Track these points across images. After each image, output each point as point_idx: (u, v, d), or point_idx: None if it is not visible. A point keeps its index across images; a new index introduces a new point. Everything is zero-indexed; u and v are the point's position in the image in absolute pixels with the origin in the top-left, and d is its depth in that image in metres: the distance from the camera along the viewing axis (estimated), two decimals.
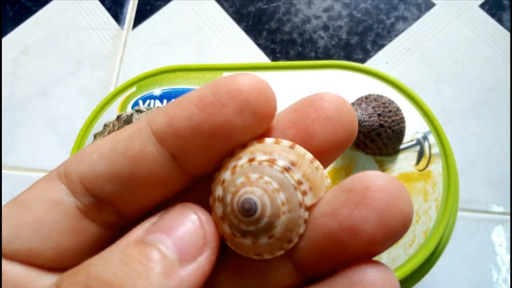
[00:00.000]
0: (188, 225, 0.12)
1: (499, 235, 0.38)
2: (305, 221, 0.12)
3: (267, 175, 0.12)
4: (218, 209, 0.12)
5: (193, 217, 0.12)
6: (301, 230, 0.12)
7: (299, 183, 0.12)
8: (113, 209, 0.13)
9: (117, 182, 0.12)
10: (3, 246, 0.12)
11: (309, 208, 0.12)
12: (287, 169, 0.12)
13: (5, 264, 0.12)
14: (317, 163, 0.13)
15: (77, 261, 0.12)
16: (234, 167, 0.12)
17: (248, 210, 0.12)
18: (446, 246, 0.30)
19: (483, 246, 0.38)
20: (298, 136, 0.13)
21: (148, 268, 0.10)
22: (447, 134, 0.40)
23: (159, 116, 0.13)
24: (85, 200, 0.13)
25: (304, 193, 0.12)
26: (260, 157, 0.12)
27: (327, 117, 0.12)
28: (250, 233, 0.12)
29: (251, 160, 0.12)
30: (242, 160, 0.12)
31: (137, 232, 0.11)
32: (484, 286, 0.36)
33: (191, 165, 0.13)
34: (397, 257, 0.28)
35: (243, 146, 0.13)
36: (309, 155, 0.13)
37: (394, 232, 0.11)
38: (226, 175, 0.12)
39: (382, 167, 0.30)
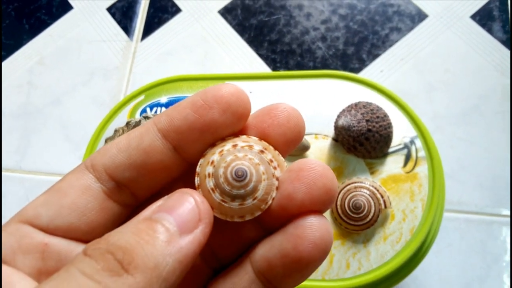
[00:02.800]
0: (186, 205, 0.14)
1: (488, 235, 0.39)
2: (276, 188, 0.16)
3: (250, 154, 0.16)
4: (209, 183, 0.16)
5: (190, 199, 0.15)
6: (274, 194, 0.16)
7: (271, 161, 0.16)
8: (130, 191, 0.17)
9: (133, 169, 0.16)
10: (48, 224, 0.15)
11: (278, 179, 0.16)
12: (262, 151, 0.16)
13: (50, 238, 0.15)
14: (277, 152, 0.17)
15: (104, 234, 0.15)
16: (221, 151, 0.16)
17: (240, 176, 0.15)
18: (432, 243, 0.32)
19: (473, 245, 0.39)
20: (257, 136, 0.17)
21: (154, 238, 0.13)
22: (438, 139, 0.43)
23: (163, 118, 0.16)
24: (108, 185, 0.16)
25: (274, 168, 0.16)
26: (241, 143, 0.16)
27: (278, 123, 0.17)
28: (240, 196, 0.15)
29: (234, 145, 0.16)
30: (226, 146, 0.16)
31: (146, 212, 0.14)
32: (474, 284, 0.38)
33: (188, 153, 0.17)
34: (385, 253, 0.30)
35: (223, 139, 0.17)
36: (272, 147, 0.17)
37: (318, 199, 0.15)
38: (215, 157, 0.16)
39: (371, 169, 0.32)
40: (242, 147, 0.16)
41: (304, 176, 0.15)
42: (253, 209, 0.16)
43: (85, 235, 0.16)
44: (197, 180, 0.16)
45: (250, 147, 0.16)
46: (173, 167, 0.17)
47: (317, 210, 0.15)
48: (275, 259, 0.15)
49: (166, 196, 0.15)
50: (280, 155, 0.17)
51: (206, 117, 0.16)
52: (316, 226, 0.15)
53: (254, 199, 0.15)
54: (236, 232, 0.17)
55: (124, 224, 0.14)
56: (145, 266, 0.12)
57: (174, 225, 0.14)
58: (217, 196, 0.15)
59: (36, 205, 0.16)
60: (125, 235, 0.13)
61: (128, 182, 0.16)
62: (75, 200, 0.16)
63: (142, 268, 0.12)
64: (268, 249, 0.15)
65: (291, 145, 0.17)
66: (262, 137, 0.17)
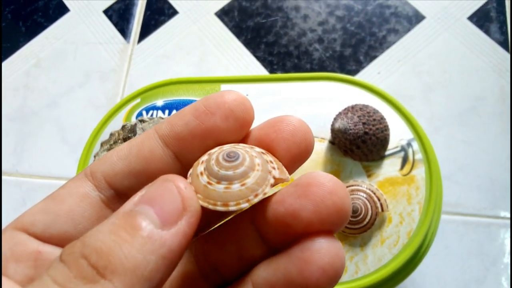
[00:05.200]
0: (167, 193, 0.13)
1: (486, 237, 0.39)
2: (271, 185, 0.15)
3: (249, 148, 0.15)
4: (200, 168, 0.15)
5: (172, 186, 0.13)
6: (267, 189, 0.15)
7: (270, 161, 0.15)
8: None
9: (132, 177, 0.16)
10: (43, 231, 0.15)
11: (275, 179, 0.15)
12: (263, 153, 0.15)
13: (44, 246, 0.15)
14: (281, 163, 0.16)
15: None
16: (220, 147, 0.15)
17: (231, 157, 0.14)
18: (430, 246, 0.32)
19: (471, 247, 0.39)
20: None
21: (133, 235, 0.12)
22: (436, 141, 0.43)
23: (164, 125, 0.16)
24: (107, 194, 0.16)
25: (273, 168, 0.15)
26: (240, 145, 0.16)
27: (283, 137, 0.16)
28: (226, 178, 0.14)
29: (234, 146, 0.15)
30: (225, 146, 0.15)
31: (127, 205, 0.13)
32: (472, 286, 0.38)
33: (189, 161, 0.16)
34: (383, 256, 0.30)
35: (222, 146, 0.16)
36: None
37: (327, 219, 0.14)
38: (212, 150, 0.15)
39: (368, 172, 0.32)
40: (243, 147, 0.15)
41: (312, 193, 0.14)
42: (239, 197, 0.14)
43: None
44: (190, 171, 0.15)
45: (251, 147, 0.15)
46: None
47: (328, 230, 0.14)
48: (278, 284, 0.14)
49: (148, 185, 0.14)
50: (284, 168, 0.16)
51: (208, 123, 0.15)
52: (326, 250, 0.14)
53: (242, 185, 0.14)
54: (238, 249, 0.16)
55: (104, 220, 0.13)
56: (124, 268, 0.12)
57: (155, 218, 0.13)
58: (203, 179, 0.14)
59: (32, 212, 0.15)
60: (100, 235, 0.12)
61: (127, 190, 0.16)
62: (72, 208, 0.15)
63: (120, 271, 0.11)
64: (272, 272, 0.14)
65: (297, 161, 0.16)
66: (267, 150, 0.16)
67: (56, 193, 0.16)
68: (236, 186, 0.14)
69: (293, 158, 0.16)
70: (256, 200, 0.14)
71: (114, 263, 0.12)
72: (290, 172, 0.16)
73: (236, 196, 0.14)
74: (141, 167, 0.16)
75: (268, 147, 0.16)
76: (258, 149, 0.15)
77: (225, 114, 0.15)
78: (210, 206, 0.14)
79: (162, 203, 0.13)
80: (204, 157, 0.15)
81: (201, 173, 0.15)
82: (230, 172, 0.14)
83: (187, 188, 0.14)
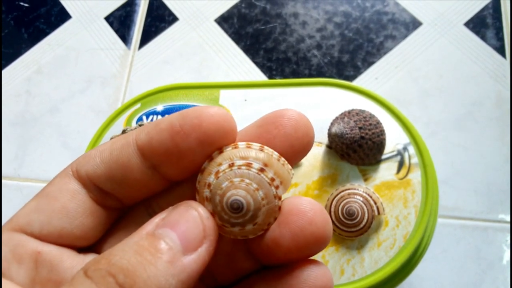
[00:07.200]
0: (191, 221, 0.14)
1: (483, 241, 0.40)
2: (279, 208, 0.15)
3: (247, 177, 0.15)
4: (208, 206, 0.15)
5: (195, 214, 0.14)
6: (277, 215, 0.15)
7: (272, 180, 0.15)
8: (115, 198, 0.16)
9: (114, 182, 0.16)
10: (40, 230, 0.15)
11: (280, 198, 0.15)
12: (262, 170, 0.15)
13: (43, 246, 0.15)
14: (282, 159, 0.15)
15: (96, 237, 0.16)
16: (217, 172, 0.15)
17: (236, 209, 0.14)
18: (426, 249, 0.32)
19: (468, 251, 0.40)
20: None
21: (157, 257, 0.13)
22: (433, 145, 0.43)
23: (143, 135, 0.16)
24: (93, 191, 0.16)
25: (276, 187, 0.15)
26: (238, 162, 0.15)
27: (285, 133, 0.15)
28: (238, 223, 0.15)
29: (231, 165, 0.15)
30: (223, 166, 0.15)
31: (149, 226, 0.14)
32: None
33: (167, 174, 0.16)
34: (379, 259, 0.31)
35: (220, 151, 0.15)
36: (276, 154, 0.15)
37: (306, 247, 0.14)
38: (211, 179, 0.15)
39: (365, 175, 0.33)
40: (240, 166, 0.15)
41: (292, 222, 0.14)
42: (256, 230, 0.15)
43: (77, 240, 0.16)
44: (198, 199, 0.15)
45: (248, 165, 0.15)
46: (153, 184, 0.16)
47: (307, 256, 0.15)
48: None
49: (170, 208, 0.14)
50: (286, 162, 0.15)
51: (182, 145, 0.15)
52: (311, 282, 0.14)
53: (254, 224, 0.15)
54: (229, 261, 0.16)
55: (126, 239, 0.14)
56: None
57: (178, 243, 0.13)
58: (217, 220, 0.15)
59: (27, 212, 0.16)
60: (126, 254, 0.13)
61: (112, 191, 0.16)
62: (66, 204, 0.16)
63: None
64: None
65: (299, 156, 0.16)
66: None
67: (46, 191, 0.16)
68: (249, 227, 0.15)
69: (296, 153, 0.16)
70: (269, 226, 0.15)
71: (139, 283, 0.12)
72: (292, 166, 0.16)
73: (252, 231, 0.15)
74: (121, 175, 0.16)
75: (269, 144, 0.15)
76: (257, 165, 0.15)
77: (200, 139, 0.15)
78: (232, 236, 0.15)
79: (185, 229, 0.14)
80: (207, 192, 0.15)
81: (212, 214, 0.15)
82: (239, 220, 0.15)
83: (209, 218, 0.14)
